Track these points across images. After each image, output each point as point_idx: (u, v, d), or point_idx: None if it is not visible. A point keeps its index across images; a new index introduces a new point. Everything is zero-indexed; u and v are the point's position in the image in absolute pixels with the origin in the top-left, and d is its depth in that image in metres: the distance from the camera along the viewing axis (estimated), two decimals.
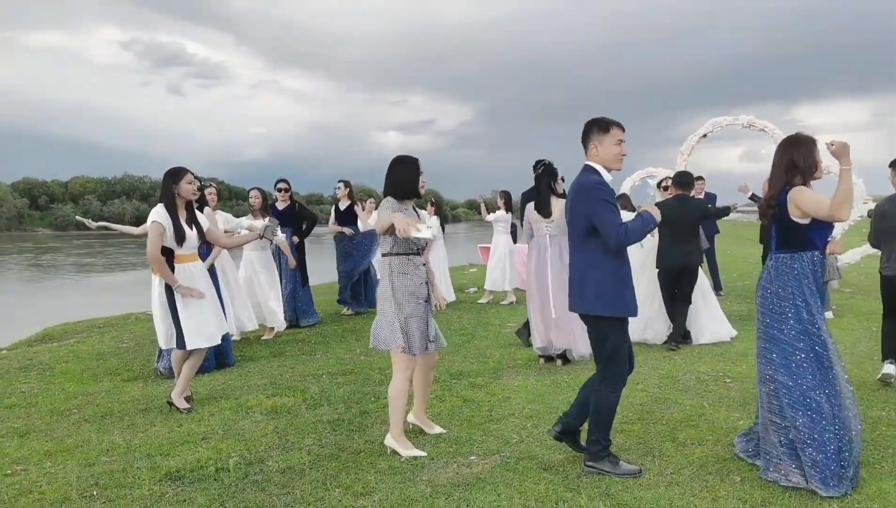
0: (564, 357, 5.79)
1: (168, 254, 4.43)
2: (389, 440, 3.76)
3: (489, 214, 10.00)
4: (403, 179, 3.77)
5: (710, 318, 6.66)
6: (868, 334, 6.82)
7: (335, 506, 3.08)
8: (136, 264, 23.87)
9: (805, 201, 3.22)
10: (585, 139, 3.42)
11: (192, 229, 4.55)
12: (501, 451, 3.73)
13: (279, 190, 8.00)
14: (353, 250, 8.76)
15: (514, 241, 10.19)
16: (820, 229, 3.30)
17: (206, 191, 6.20)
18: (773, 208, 3.34)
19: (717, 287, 9.45)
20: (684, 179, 6.48)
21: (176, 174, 4.51)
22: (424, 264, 3.82)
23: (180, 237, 4.44)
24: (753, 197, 7.73)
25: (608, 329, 3.34)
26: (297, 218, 7.97)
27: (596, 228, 3.25)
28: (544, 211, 5.73)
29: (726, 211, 7.18)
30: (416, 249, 3.77)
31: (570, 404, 4.58)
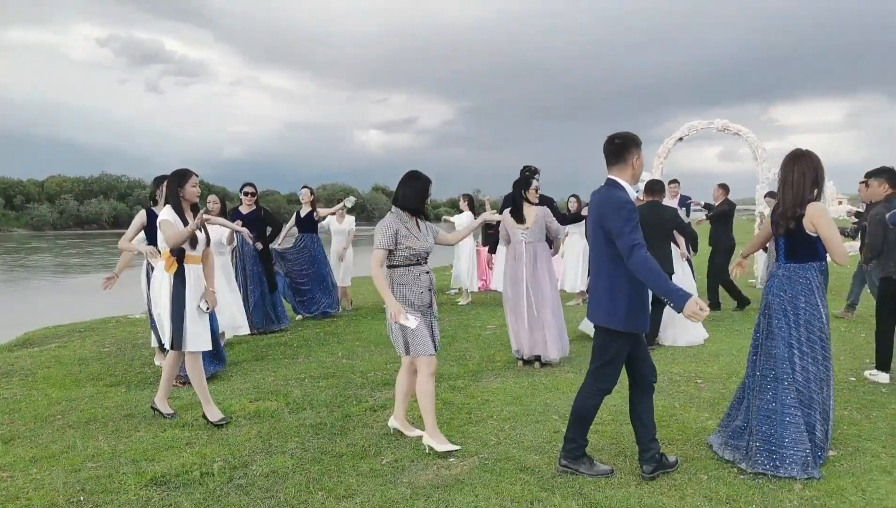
0: (542, 360, 5.92)
1: (179, 254, 4.42)
2: (426, 439, 3.90)
3: (452, 216, 10.19)
4: (413, 194, 3.90)
5: (687, 321, 6.80)
6: (835, 334, 7.03)
7: None
8: (115, 264, 23.65)
9: (825, 230, 3.49)
10: (625, 153, 3.34)
11: (200, 230, 4.53)
12: (480, 453, 3.85)
13: (245, 194, 7.91)
14: (297, 257, 8.84)
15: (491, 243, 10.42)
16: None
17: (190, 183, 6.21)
18: (794, 218, 3.53)
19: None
20: (655, 187, 6.62)
21: (182, 176, 4.48)
22: (427, 273, 3.93)
23: (192, 240, 4.44)
24: (707, 206, 8.24)
25: (621, 342, 3.37)
26: (262, 223, 7.94)
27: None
28: (518, 217, 5.86)
29: (695, 239, 7.03)
30: (417, 259, 3.87)
31: (548, 406, 4.73)
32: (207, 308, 4.51)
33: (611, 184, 3.38)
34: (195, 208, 4.57)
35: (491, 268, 10.28)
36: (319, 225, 9.01)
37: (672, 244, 6.76)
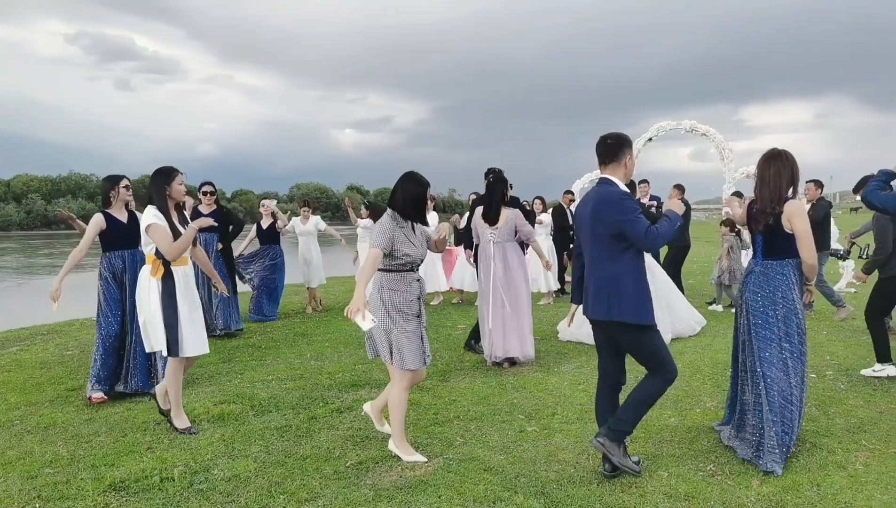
0: (511, 360, 5.95)
1: (163, 257, 4.21)
2: (392, 446, 3.84)
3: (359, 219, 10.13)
4: (412, 201, 3.72)
5: (659, 317, 6.85)
6: None
7: None
8: (83, 265, 23.26)
9: (800, 229, 3.56)
10: (618, 153, 3.44)
11: (185, 230, 4.34)
12: (445, 453, 3.85)
13: (204, 193, 7.72)
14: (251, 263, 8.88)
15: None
16: None
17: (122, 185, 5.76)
18: (773, 215, 3.61)
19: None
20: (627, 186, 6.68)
21: (168, 174, 4.28)
22: (419, 280, 3.81)
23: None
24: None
25: (650, 332, 3.40)
26: (222, 223, 7.82)
27: (626, 236, 3.31)
28: (492, 219, 5.88)
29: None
30: (411, 265, 3.75)
31: (514, 406, 4.75)
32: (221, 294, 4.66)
33: (605, 182, 3.46)
34: (178, 208, 4.40)
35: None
36: (285, 228, 9.12)
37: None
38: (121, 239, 5.19)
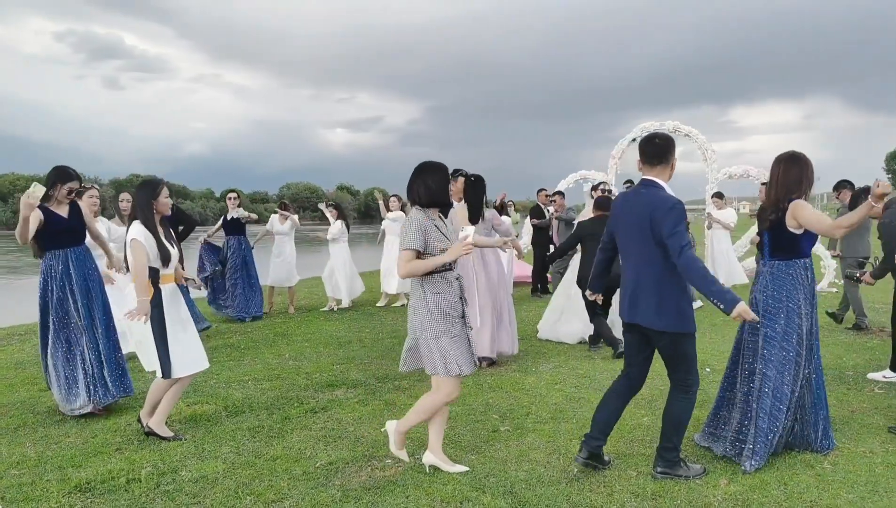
0: (490, 359, 5.94)
1: (153, 274, 4.05)
2: (431, 459, 3.58)
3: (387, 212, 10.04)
4: (437, 187, 3.44)
5: None
6: None
7: None
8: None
9: (806, 216, 3.52)
10: (666, 154, 3.38)
11: (172, 246, 4.21)
12: (416, 454, 3.83)
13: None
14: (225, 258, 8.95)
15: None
16: (809, 239, 3.64)
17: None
18: (775, 214, 3.60)
19: None
20: (604, 204, 6.67)
21: (155, 187, 4.12)
22: (458, 278, 3.49)
23: (165, 257, 4.10)
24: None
25: (689, 340, 3.36)
26: (174, 222, 7.81)
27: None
28: (475, 218, 5.86)
29: None
30: (450, 263, 3.43)
31: (489, 406, 4.74)
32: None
33: (652, 185, 3.37)
34: (164, 222, 4.23)
35: None
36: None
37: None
38: (62, 237, 4.66)
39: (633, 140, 12.29)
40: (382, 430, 3.67)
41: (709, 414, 3.99)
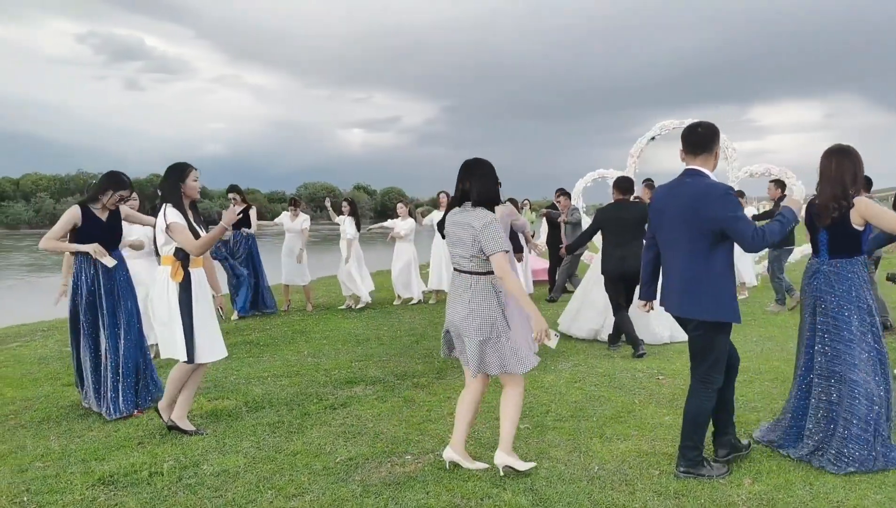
0: None
1: (183, 258, 4.03)
2: (503, 460, 3.45)
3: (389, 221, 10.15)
4: (494, 186, 3.44)
5: (656, 320, 6.75)
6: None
7: None
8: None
9: (875, 212, 3.45)
10: (710, 143, 3.32)
11: (202, 229, 4.18)
12: (436, 450, 3.83)
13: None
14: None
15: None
16: (866, 235, 3.57)
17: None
18: (838, 211, 3.48)
19: None
20: (624, 185, 6.56)
21: (183, 171, 4.10)
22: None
23: (197, 239, 4.03)
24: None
25: (723, 334, 3.33)
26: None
27: (724, 233, 3.18)
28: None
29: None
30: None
31: None
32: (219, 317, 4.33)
33: (696, 174, 3.32)
34: (193, 206, 4.22)
35: None
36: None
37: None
38: (97, 241, 4.58)
39: (652, 139, 12.19)
40: (497, 467, 3.45)
41: (780, 423, 3.81)
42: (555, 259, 10.54)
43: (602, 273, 6.53)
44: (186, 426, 4.18)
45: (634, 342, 6.18)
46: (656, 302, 3.79)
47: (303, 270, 9.40)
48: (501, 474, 3.41)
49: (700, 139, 3.33)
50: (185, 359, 4.05)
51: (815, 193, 3.67)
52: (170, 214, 3.99)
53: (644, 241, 3.78)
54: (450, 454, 3.58)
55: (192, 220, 4.09)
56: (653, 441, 3.93)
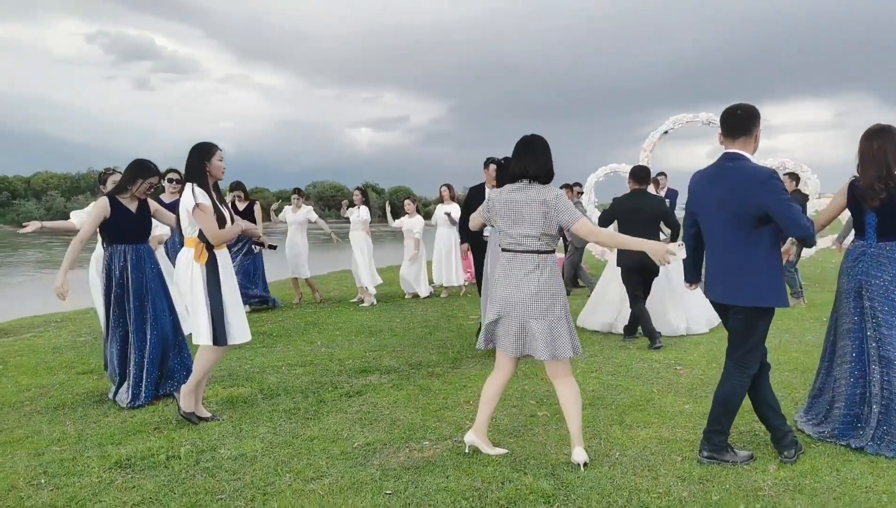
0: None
1: (206, 240, 3.95)
2: (581, 455, 3.31)
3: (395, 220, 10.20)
4: (551, 162, 3.37)
5: (674, 313, 6.69)
6: (818, 323, 7.03)
7: (285, 491, 3.11)
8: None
9: None
10: (749, 126, 3.24)
11: (226, 210, 4.07)
12: (454, 436, 3.79)
13: (170, 181, 6.80)
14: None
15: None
16: None
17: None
18: (886, 192, 3.38)
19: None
20: (640, 174, 6.47)
21: (208, 150, 3.98)
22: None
23: (222, 221, 3.95)
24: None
25: (764, 321, 3.27)
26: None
27: (769, 218, 3.10)
28: None
29: (678, 230, 7.03)
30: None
31: (525, 392, 4.67)
32: None
33: (737, 157, 3.23)
34: (217, 187, 4.14)
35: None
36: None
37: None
38: (126, 232, 4.58)
39: (665, 133, 12.10)
40: (575, 462, 3.31)
41: (840, 412, 3.64)
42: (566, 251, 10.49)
43: (618, 265, 6.46)
44: (202, 412, 4.15)
45: (651, 334, 6.11)
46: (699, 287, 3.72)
47: (299, 263, 9.30)
48: (583, 470, 3.26)
49: (739, 122, 3.25)
50: (210, 342, 3.95)
51: (856, 175, 3.56)
52: (199, 194, 3.89)
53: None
54: (471, 437, 3.53)
55: (216, 201, 4.00)
56: (673, 429, 3.87)
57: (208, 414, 4.16)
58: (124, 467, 3.43)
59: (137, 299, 4.57)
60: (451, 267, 9.95)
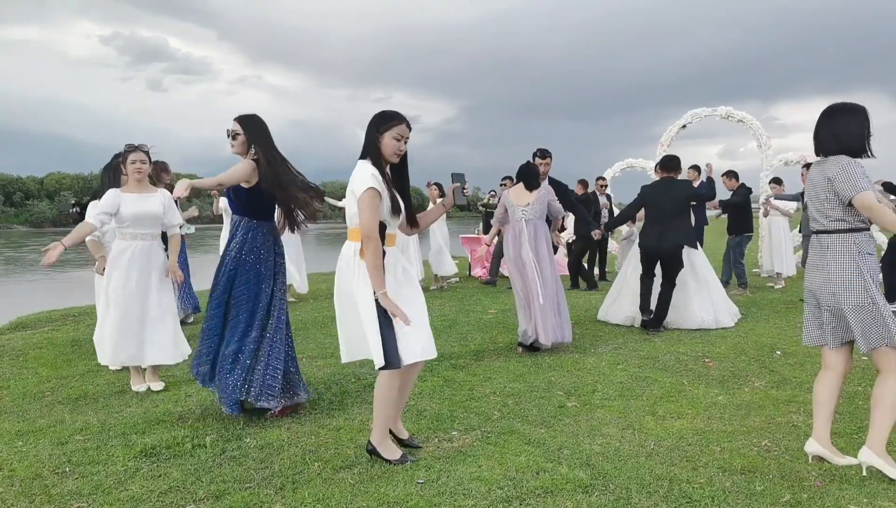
0: (532, 346, 5.67)
1: (380, 230, 3.07)
2: (869, 458, 2.97)
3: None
4: (855, 130, 3.06)
5: (700, 305, 6.58)
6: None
7: (314, 479, 3.04)
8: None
9: None
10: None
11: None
12: (482, 427, 3.71)
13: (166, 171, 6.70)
14: None
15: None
16: None
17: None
18: None
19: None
20: (669, 163, 6.45)
21: (392, 118, 3.14)
22: None
23: (396, 209, 3.16)
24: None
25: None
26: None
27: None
28: (533, 186, 5.70)
29: (712, 195, 7.43)
30: None
31: (552, 383, 4.59)
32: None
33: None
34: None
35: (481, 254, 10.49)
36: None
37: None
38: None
39: (684, 126, 11.97)
40: (861, 464, 3.03)
41: None
42: (578, 252, 10.31)
43: (639, 246, 6.54)
44: (393, 455, 3.20)
45: (645, 308, 6.31)
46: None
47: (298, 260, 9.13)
48: (864, 474, 2.98)
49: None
50: (381, 365, 3.11)
51: None
52: (370, 179, 3.04)
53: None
54: (814, 447, 3.15)
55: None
56: (709, 420, 3.77)
57: (398, 455, 3.24)
58: (149, 455, 3.37)
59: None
60: (444, 260, 10.13)
